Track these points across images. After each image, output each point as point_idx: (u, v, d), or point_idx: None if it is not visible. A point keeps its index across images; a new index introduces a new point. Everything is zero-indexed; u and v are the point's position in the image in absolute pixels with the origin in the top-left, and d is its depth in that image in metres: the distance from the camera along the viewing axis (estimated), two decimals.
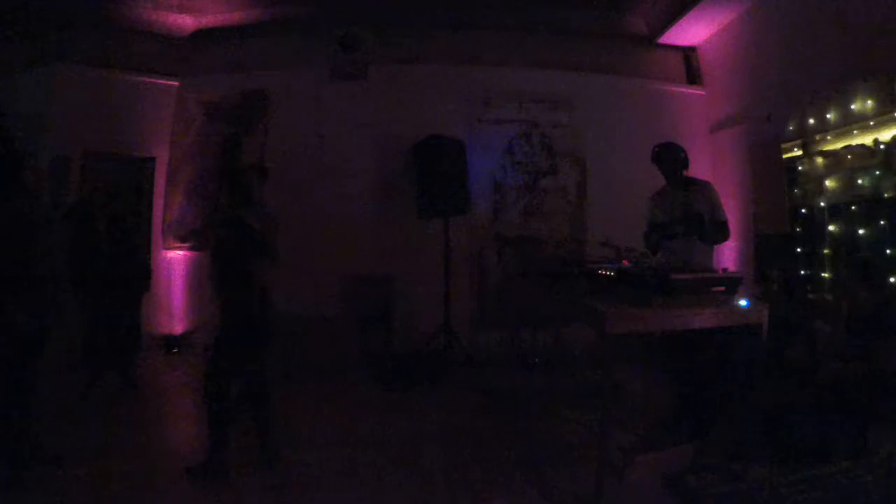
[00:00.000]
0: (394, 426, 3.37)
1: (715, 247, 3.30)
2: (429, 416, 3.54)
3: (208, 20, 5.43)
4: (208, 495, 2.43)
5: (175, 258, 5.24)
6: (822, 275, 3.86)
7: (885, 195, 3.33)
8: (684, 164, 3.27)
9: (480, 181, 5.20)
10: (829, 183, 3.82)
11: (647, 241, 3.30)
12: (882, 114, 3.32)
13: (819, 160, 3.90)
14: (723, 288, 2.30)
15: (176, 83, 5.43)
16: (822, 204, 3.89)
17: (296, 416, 3.46)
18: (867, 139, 3.48)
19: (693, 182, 3.28)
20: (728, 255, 4.72)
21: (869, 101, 3.42)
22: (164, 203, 5.29)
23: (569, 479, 2.52)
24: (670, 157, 3.24)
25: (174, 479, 2.54)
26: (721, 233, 3.18)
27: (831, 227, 3.80)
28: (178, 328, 5.10)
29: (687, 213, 3.07)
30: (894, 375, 2.55)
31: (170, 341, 4.95)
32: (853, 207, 3.61)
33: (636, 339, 4.62)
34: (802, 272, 4.02)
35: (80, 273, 3.83)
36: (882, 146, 3.35)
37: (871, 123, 3.42)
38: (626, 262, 2.70)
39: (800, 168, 4.10)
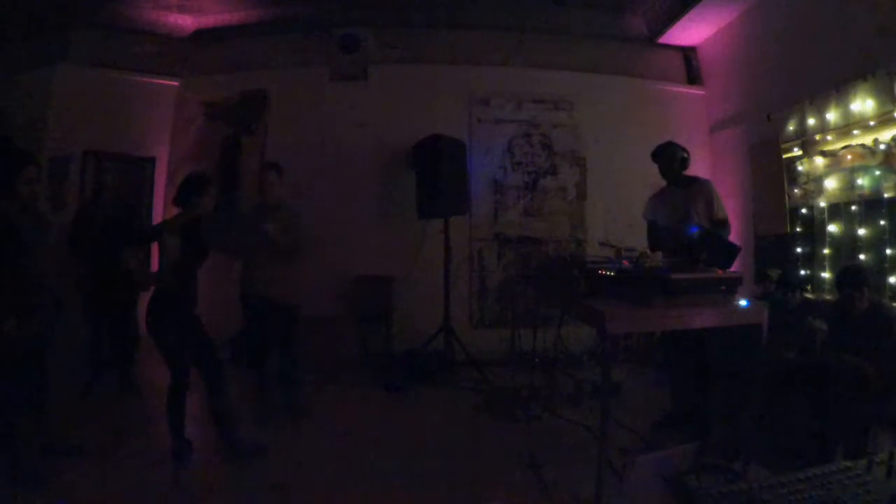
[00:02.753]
0: (394, 426, 3.37)
1: None
2: (429, 416, 3.54)
3: (208, 20, 5.43)
4: (207, 495, 2.43)
5: None
6: (822, 275, 3.86)
7: (885, 195, 3.34)
8: (683, 163, 3.28)
9: (480, 181, 5.20)
10: (829, 183, 3.82)
11: (650, 240, 3.31)
12: (882, 114, 3.32)
13: (819, 160, 3.90)
14: (723, 288, 2.30)
15: (176, 83, 5.44)
16: (822, 204, 3.89)
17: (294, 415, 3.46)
18: (867, 139, 3.48)
19: (692, 181, 3.27)
20: None
21: (869, 101, 3.42)
22: (164, 203, 5.30)
23: (569, 479, 2.52)
24: (668, 157, 3.26)
25: (174, 479, 2.55)
26: (722, 230, 3.13)
27: (831, 227, 3.80)
28: None
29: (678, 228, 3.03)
30: (894, 375, 2.55)
31: None
32: (853, 207, 3.61)
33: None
34: (802, 272, 4.02)
35: (79, 274, 3.84)
36: (882, 146, 3.35)
37: (871, 123, 3.42)
38: (626, 262, 2.70)
39: (800, 168, 4.10)
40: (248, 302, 3.34)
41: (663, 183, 3.36)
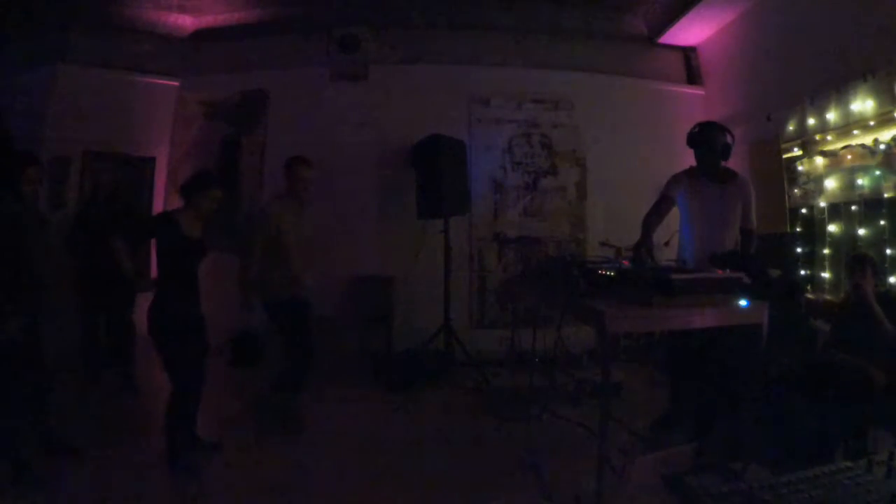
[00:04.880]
0: (393, 426, 3.37)
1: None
2: (429, 416, 3.54)
3: (208, 20, 5.43)
4: (207, 496, 2.43)
5: None
6: (822, 275, 3.86)
7: (885, 195, 3.34)
8: (725, 151, 2.90)
9: (480, 181, 5.20)
10: (829, 183, 3.83)
11: (646, 221, 2.90)
12: (882, 114, 3.32)
13: (819, 160, 3.90)
14: (723, 288, 2.29)
15: (176, 83, 5.43)
16: (822, 204, 3.89)
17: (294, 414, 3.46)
18: (867, 139, 3.48)
19: (731, 175, 2.96)
20: None
21: (869, 101, 3.42)
22: (164, 203, 5.30)
23: (569, 479, 2.52)
24: (710, 143, 2.85)
25: (174, 478, 2.55)
26: (747, 243, 2.96)
27: (831, 227, 3.80)
28: None
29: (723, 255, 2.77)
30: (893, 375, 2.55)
31: None
32: (853, 207, 3.61)
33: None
34: (802, 272, 4.02)
35: (79, 273, 3.84)
36: (882, 146, 3.35)
37: (871, 123, 3.42)
38: (626, 262, 2.69)
39: (800, 168, 4.10)
40: (284, 304, 3.17)
41: (663, 181, 3.14)
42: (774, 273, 3.76)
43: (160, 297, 2.64)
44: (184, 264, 2.70)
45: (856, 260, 2.97)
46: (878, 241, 3.39)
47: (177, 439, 2.61)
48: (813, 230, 3.97)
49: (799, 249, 4.08)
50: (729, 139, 2.92)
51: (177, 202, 2.77)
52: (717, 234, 2.93)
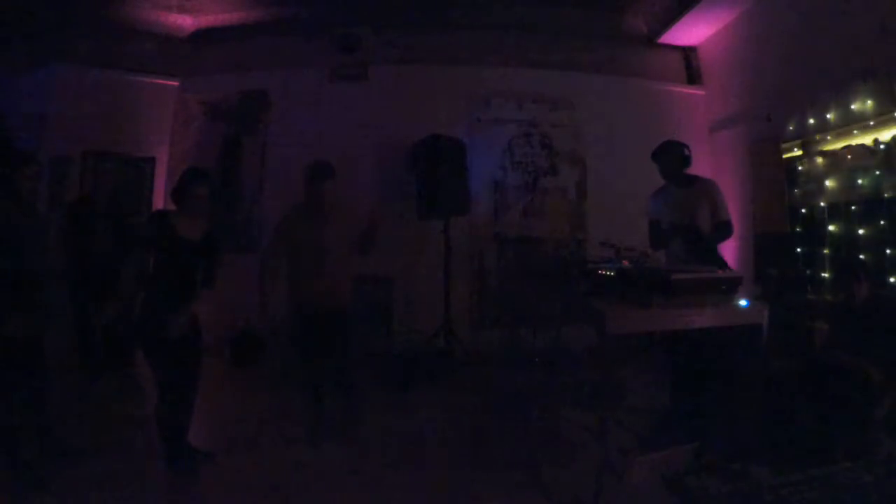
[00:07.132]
0: (393, 426, 3.37)
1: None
2: (429, 416, 3.54)
3: (208, 20, 5.43)
4: (207, 496, 2.43)
5: None
6: (822, 275, 3.86)
7: (885, 195, 3.33)
8: (684, 161, 3.24)
9: (480, 181, 5.19)
10: (829, 183, 3.82)
11: (651, 240, 3.30)
12: (882, 114, 3.32)
13: (819, 160, 3.90)
14: (723, 288, 2.30)
15: (176, 83, 5.43)
16: (822, 204, 3.89)
17: (295, 415, 3.46)
18: (867, 139, 3.48)
19: (695, 180, 3.24)
20: (728, 255, 4.72)
21: (869, 101, 3.42)
22: (164, 203, 5.29)
23: (569, 479, 2.52)
24: (668, 156, 3.24)
25: (173, 478, 2.55)
26: (722, 234, 3.16)
27: (831, 227, 3.80)
28: None
29: (684, 227, 3.10)
30: (893, 375, 2.55)
31: None
32: (853, 207, 3.61)
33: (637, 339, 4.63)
34: (802, 272, 4.02)
35: (79, 273, 3.83)
36: (882, 146, 3.35)
37: (871, 123, 3.42)
38: (626, 262, 2.70)
39: (800, 168, 4.10)
40: (298, 307, 3.17)
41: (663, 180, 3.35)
42: (773, 273, 3.77)
43: (150, 301, 2.55)
44: (179, 267, 2.61)
45: (845, 266, 2.98)
46: (878, 241, 3.39)
47: (172, 443, 2.59)
48: (813, 230, 3.96)
49: (799, 249, 4.08)
50: (687, 151, 3.25)
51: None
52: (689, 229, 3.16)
